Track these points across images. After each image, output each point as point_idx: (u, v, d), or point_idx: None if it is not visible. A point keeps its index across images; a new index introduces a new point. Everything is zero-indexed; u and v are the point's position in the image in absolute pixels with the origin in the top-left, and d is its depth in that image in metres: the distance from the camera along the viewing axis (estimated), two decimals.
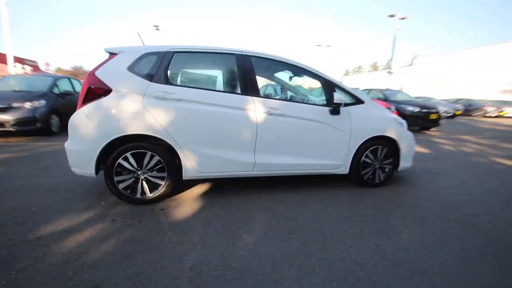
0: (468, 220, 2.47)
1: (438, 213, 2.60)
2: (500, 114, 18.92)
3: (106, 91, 2.41)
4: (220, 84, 3.09)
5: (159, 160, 2.50)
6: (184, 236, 2.04)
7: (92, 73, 2.46)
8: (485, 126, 12.60)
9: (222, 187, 3.05)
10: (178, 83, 2.68)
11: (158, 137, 2.46)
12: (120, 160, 2.42)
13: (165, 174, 2.54)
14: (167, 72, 2.55)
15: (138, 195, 2.51)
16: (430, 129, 9.62)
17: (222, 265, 1.71)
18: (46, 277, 1.55)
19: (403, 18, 20.91)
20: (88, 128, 2.38)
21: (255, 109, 2.67)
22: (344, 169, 3.09)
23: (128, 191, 2.49)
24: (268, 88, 6.38)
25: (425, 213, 2.60)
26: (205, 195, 2.85)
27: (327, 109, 2.93)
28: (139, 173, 2.49)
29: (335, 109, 2.91)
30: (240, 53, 2.76)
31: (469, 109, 19.21)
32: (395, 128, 3.21)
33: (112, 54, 2.55)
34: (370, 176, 3.22)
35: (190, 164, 2.58)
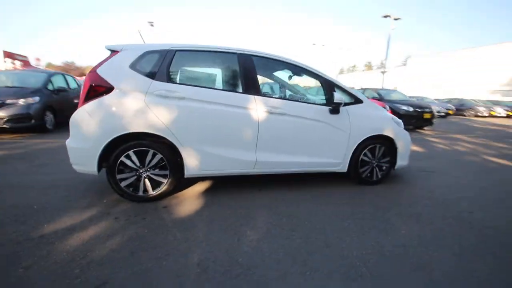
0: (464, 217, 2.55)
1: (434, 211, 2.67)
2: (491, 113, 19.33)
3: (108, 89, 2.40)
4: (221, 83, 3.10)
5: (161, 158, 2.51)
6: (188, 233, 2.06)
7: (93, 71, 2.45)
8: (477, 125, 12.87)
9: (223, 185, 3.07)
10: (180, 81, 2.68)
11: (160, 135, 2.46)
12: (123, 158, 2.42)
13: (167, 172, 2.55)
14: (169, 70, 2.56)
15: (141, 193, 2.52)
16: (424, 128, 9.79)
17: (228, 261, 1.74)
18: (53, 274, 1.56)
19: (397, 19, 21.12)
20: (90, 125, 2.37)
21: (257, 108, 2.69)
22: (343, 167, 3.14)
23: (131, 189, 2.49)
24: (264, 86, 6.40)
25: (421, 210, 2.67)
26: (206, 192, 2.87)
27: (327, 108, 2.97)
28: (141, 171, 2.50)
29: (335, 109, 2.95)
30: (242, 52, 2.78)
31: (461, 108, 19.56)
32: (392, 127, 3.28)
33: (114, 52, 2.54)
34: (368, 174, 3.28)
35: (192, 162, 2.59)
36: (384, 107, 8.08)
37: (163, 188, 2.56)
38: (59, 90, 6.84)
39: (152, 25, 23.08)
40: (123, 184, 2.47)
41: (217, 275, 1.62)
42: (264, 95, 2.87)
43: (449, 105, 18.59)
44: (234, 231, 2.13)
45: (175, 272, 1.63)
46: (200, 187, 3.02)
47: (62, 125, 6.97)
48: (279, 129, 2.80)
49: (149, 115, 2.41)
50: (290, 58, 3.03)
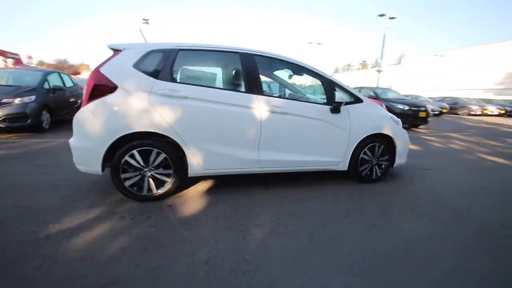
0: (462, 213, 2.62)
1: (434, 207, 2.74)
2: (484, 112, 19.65)
3: (112, 88, 2.40)
4: (224, 82, 3.12)
5: (165, 157, 2.52)
6: (194, 232, 2.09)
7: (97, 70, 2.44)
8: (470, 123, 13.09)
9: (225, 184, 3.09)
10: (184, 81, 2.69)
11: (164, 134, 2.47)
12: (127, 158, 2.43)
13: (171, 171, 2.56)
14: (172, 70, 2.56)
15: (145, 192, 2.53)
16: (419, 127, 9.92)
17: (235, 259, 1.77)
18: (63, 273, 1.57)
19: (392, 18, 21.29)
20: (94, 125, 2.36)
21: (259, 107, 2.72)
22: (344, 166, 3.19)
23: (135, 188, 2.50)
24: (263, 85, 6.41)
25: (422, 207, 2.74)
26: (209, 191, 2.89)
27: (328, 107, 3.01)
28: (145, 170, 2.50)
29: (336, 108, 2.99)
30: (244, 51, 2.80)
31: (454, 107, 19.83)
32: (391, 126, 3.34)
33: (117, 51, 2.54)
34: (368, 172, 3.34)
35: (195, 161, 2.61)
36: (381, 106, 8.21)
37: (167, 187, 2.57)
38: (55, 89, 6.74)
39: (147, 23, 22.86)
40: (127, 183, 2.47)
41: (225, 272, 1.64)
42: (267, 94, 2.89)
43: (443, 103, 18.84)
44: (239, 229, 2.15)
45: (184, 270, 1.65)
46: (203, 186, 3.03)
47: (58, 124, 6.93)
48: (281, 128, 2.83)
49: (153, 114, 2.42)
50: (291, 57, 3.06)
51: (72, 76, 10.26)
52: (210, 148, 2.63)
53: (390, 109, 8.81)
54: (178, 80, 2.63)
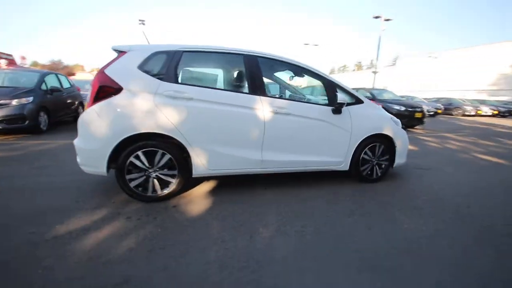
0: (462, 211, 2.68)
1: (434, 206, 2.79)
2: (478, 112, 19.96)
3: (117, 89, 2.41)
4: (228, 84, 3.15)
5: (170, 158, 2.53)
6: (201, 231, 2.11)
7: (101, 72, 2.45)
8: (465, 124, 13.29)
9: (229, 184, 3.12)
10: (188, 82, 2.71)
11: (169, 135, 2.49)
12: (132, 159, 2.44)
13: (175, 172, 2.58)
14: (177, 71, 2.58)
15: (150, 193, 2.54)
16: (415, 127, 10.05)
17: (244, 258, 1.79)
18: (74, 274, 1.58)
19: (388, 19, 21.53)
20: (100, 126, 2.37)
21: (263, 108, 2.75)
22: (345, 166, 3.24)
23: (140, 189, 2.51)
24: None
25: (422, 205, 2.79)
26: (213, 191, 2.91)
27: (329, 108, 3.05)
28: (150, 171, 2.52)
29: (337, 109, 3.04)
30: (247, 53, 2.83)
31: (449, 108, 20.11)
32: (391, 127, 3.40)
33: (121, 52, 2.55)
34: (369, 172, 3.39)
35: (200, 162, 2.63)
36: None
37: (172, 187, 2.59)
38: (53, 90, 6.70)
39: (143, 24, 22.77)
40: (132, 184, 2.48)
41: (235, 271, 1.67)
42: (270, 95, 2.93)
43: (437, 104, 19.09)
44: (246, 228, 2.18)
45: (195, 269, 1.67)
46: (207, 186, 3.05)
47: (55, 125, 6.88)
48: (284, 129, 2.87)
49: (158, 115, 2.44)
50: (293, 59, 3.10)
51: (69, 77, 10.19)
52: (215, 148, 2.65)
53: (386, 110, 8.83)
54: (182, 82, 2.64)
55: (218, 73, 3.28)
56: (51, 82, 6.97)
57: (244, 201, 2.69)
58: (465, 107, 19.97)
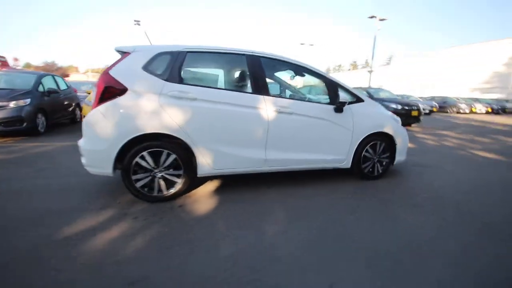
0: (462, 208, 2.73)
1: (434, 203, 2.84)
2: (472, 110, 20.24)
3: (122, 90, 2.42)
4: (231, 84, 3.16)
5: (175, 158, 2.54)
6: (209, 230, 2.12)
7: (106, 73, 2.45)
8: (460, 122, 13.47)
9: (233, 183, 3.14)
10: (192, 82, 2.72)
11: (175, 135, 2.50)
12: (138, 159, 2.44)
13: (181, 172, 2.59)
14: (181, 72, 2.60)
15: (155, 193, 2.55)
16: (412, 125, 10.17)
17: (254, 255, 1.81)
18: (86, 275, 1.58)
19: (383, 19, 21.70)
20: (105, 127, 2.37)
21: (266, 107, 2.77)
22: (347, 164, 3.27)
23: (145, 189, 2.52)
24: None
25: (422, 203, 2.83)
26: (218, 191, 2.93)
27: (331, 107, 3.09)
28: (155, 171, 2.52)
29: (339, 107, 3.08)
30: (250, 53, 2.85)
31: (444, 106, 20.38)
32: (391, 125, 3.45)
33: (125, 53, 2.56)
34: (370, 170, 3.43)
35: (205, 161, 2.64)
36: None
37: (177, 187, 2.60)
38: (50, 92, 6.65)
39: (139, 24, 22.64)
40: (138, 184, 2.49)
41: (246, 268, 1.69)
42: (273, 95, 2.95)
43: (433, 102, 19.31)
44: (253, 226, 2.20)
45: (208, 265, 1.69)
46: (211, 185, 3.07)
47: (53, 127, 6.83)
48: (288, 128, 2.89)
49: (163, 116, 2.45)
50: (294, 59, 3.13)
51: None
52: (219, 148, 2.67)
53: None
54: (187, 82, 2.65)
55: (222, 73, 3.30)
56: (48, 83, 6.92)
57: (249, 200, 2.71)
58: (459, 105, 20.24)
